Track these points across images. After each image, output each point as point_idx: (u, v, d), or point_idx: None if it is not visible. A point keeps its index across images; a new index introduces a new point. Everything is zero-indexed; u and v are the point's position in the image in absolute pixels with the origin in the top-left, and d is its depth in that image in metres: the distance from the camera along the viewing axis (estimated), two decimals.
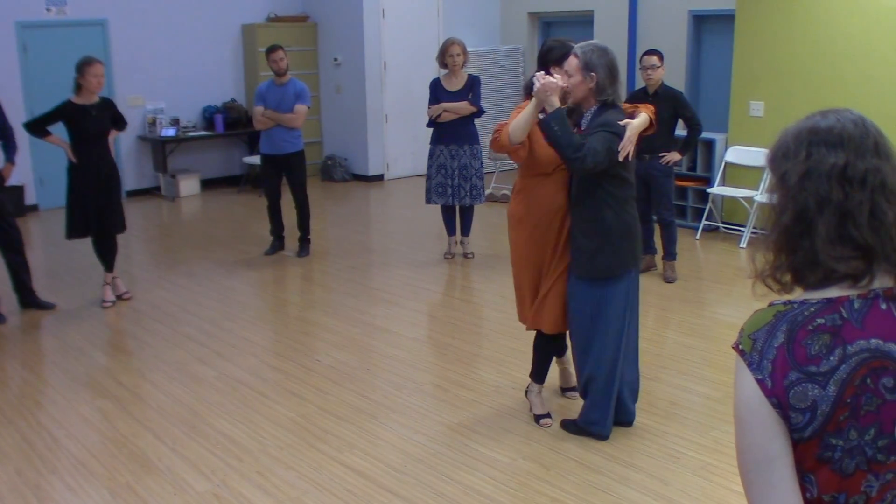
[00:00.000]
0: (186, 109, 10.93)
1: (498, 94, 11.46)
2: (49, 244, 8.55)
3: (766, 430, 1.43)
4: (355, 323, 6.09)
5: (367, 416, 4.61)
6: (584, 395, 4.30)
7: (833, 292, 1.46)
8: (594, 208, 4.00)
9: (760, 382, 1.44)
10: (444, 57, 7.25)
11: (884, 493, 1.45)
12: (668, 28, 9.43)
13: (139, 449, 4.28)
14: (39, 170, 9.74)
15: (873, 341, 1.42)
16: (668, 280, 6.84)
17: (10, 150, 6.32)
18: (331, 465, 4.07)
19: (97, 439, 4.41)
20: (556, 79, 3.86)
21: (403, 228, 9.09)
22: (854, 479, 1.44)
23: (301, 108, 7.53)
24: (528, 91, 4.28)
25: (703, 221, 8.36)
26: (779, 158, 1.52)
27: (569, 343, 4.41)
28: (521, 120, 3.95)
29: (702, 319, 6.05)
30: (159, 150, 10.64)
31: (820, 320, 1.43)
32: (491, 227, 8.59)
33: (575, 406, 4.49)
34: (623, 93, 4.23)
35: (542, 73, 3.92)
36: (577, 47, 4.02)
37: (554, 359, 4.65)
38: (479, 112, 7.31)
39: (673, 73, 8.17)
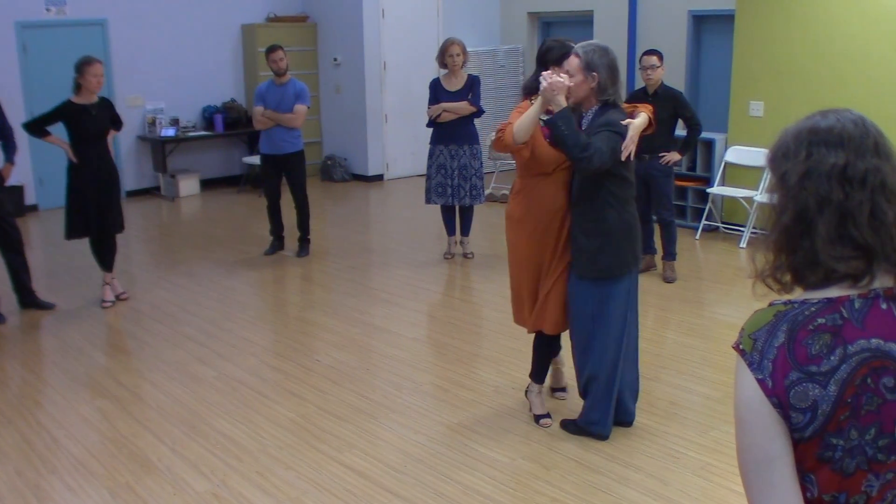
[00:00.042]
0: (186, 109, 10.93)
1: (498, 94, 11.46)
2: (49, 244, 8.55)
3: (766, 430, 1.43)
4: (355, 323, 6.09)
5: (367, 416, 4.61)
6: (584, 396, 4.30)
7: (833, 292, 1.46)
8: (596, 208, 4.00)
9: (761, 382, 1.44)
10: (443, 57, 7.25)
11: (884, 493, 1.45)
12: (667, 28, 9.43)
13: (139, 449, 4.28)
14: (39, 170, 9.74)
15: (874, 341, 1.42)
16: (668, 280, 6.84)
17: (10, 150, 6.32)
18: (330, 465, 4.07)
19: (97, 439, 4.41)
20: (563, 78, 3.86)
21: (403, 228, 9.09)
22: (854, 479, 1.44)
23: (301, 108, 7.53)
24: (527, 91, 4.28)
25: (703, 221, 8.36)
26: (779, 158, 1.52)
27: (565, 343, 4.41)
28: (525, 119, 3.95)
29: (701, 319, 6.05)
30: (159, 150, 10.64)
31: (820, 320, 1.43)
32: (491, 227, 8.59)
33: (574, 406, 4.49)
34: (623, 93, 4.23)
35: (549, 72, 3.91)
36: (579, 47, 4.02)
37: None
38: (479, 112, 7.31)
39: (673, 73, 8.17)
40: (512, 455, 4.14)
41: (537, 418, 4.46)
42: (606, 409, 4.20)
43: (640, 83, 7.19)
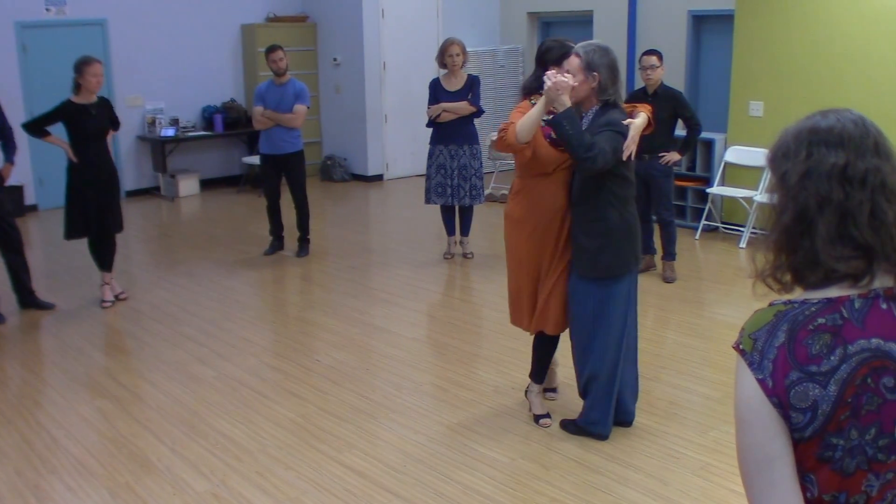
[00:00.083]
0: (186, 109, 10.93)
1: (497, 94, 11.46)
2: (48, 244, 8.55)
3: (766, 430, 1.43)
4: (355, 323, 6.09)
5: (367, 416, 4.61)
6: (583, 396, 4.30)
7: (833, 292, 1.46)
8: (598, 208, 4.00)
9: (761, 382, 1.44)
10: (443, 57, 7.25)
11: (884, 493, 1.45)
12: (667, 28, 9.43)
13: (138, 449, 4.28)
14: (39, 170, 9.74)
15: (874, 341, 1.42)
16: (668, 280, 6.84)
17: (10, 150, 6.32)
18: (330, 465, 4.07)
19: (96, 439, 4.40)
20: (568, 78, 3.85)
21: (403, 228, 9.09)
22: (854, 479, 1.44)
23: (300, 108, 7.53)
24: (526, 91, 4.28)
25: (703, 221, 8.36)
26: (779, 158, 1.52)
27: (563, 344, 4.41)
28: (528, 119, 3.95)
29: (701, 319, 6.05)
30: (159, 150, 10.64)
31: (821, 320, 1.44)
32: (490, 227, 8.59)
33: (574, 406, 4.48)
34: (623, 93, 4.23)
35: (554, 71, 3.90)
36: (579, 47, 4.02)
37: None
38: (479, 112, 7.31)
39: (672, 73, 8.17)
40: (512, 455, 4.14)
41: (537, 418, 4.46)
42: (606, 408, 4.20)
43: (639, 83, 7.19)
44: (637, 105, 4.23)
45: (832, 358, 1.41)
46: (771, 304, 1.50)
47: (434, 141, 7.39)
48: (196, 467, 4.08)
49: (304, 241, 7.92)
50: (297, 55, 11.00)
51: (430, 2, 11.35)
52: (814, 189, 1.45)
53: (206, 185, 11.15)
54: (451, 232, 7.70)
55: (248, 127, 10.56)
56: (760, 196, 7.70)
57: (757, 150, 7.81)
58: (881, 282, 1.46)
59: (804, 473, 1.45)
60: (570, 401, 4.65)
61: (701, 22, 9.35)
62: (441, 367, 5.29)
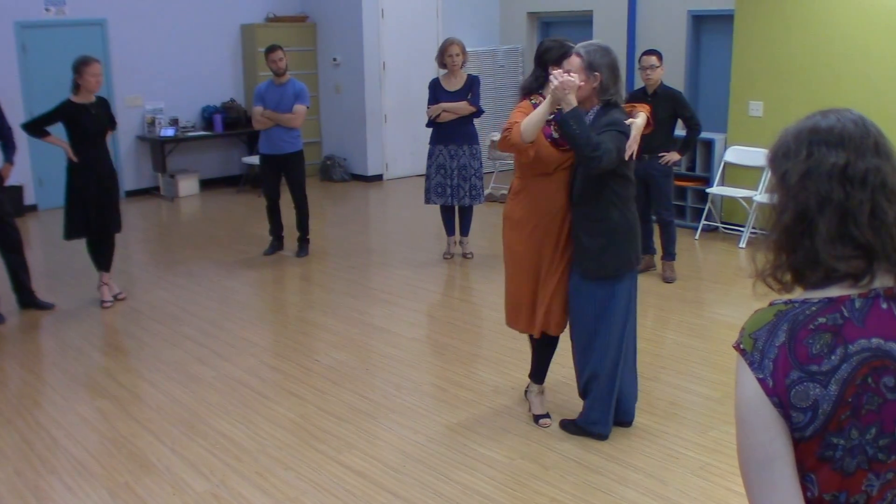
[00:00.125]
0: (185, 109, 10.93)
1: (497, 94, 11.46)
2: (48, 244, 8.55)
3: (767, 430, 1.43)
4: (354, 323, 6.09)
5: (366, 416, 4.61)
6: (583, 396, 4.30)
7: (834, 291, 1.46)
8: (600, 208, 4.01)
9: (762, 382, 1.44)
10: (443, 57, 7.25)
11: (884, 493, 1.45)
12: (667, 28, 9.43)
13: (138, 449, 4.28)
14: (38, 170, 9.74)
15: (874, 340, 1.42)
16: (668, 280, 6.84)
17: (10, 150, 6.32)
18: (330, 466, 4.07)
19: (96, 439, 4.40)
20: (574, 77, 3.85)
21: (402, 228, 9.09)
22: (855, 479, 1.44)
23: (300, 108, 7.53)
24: (525, 91, 4.28)
25: (703, 221, 8.36)
26: (779, 158, 1.52)
27: (560, 345, 4.41)
28: (533, 118, 3.94)
29: (701, 319, 6.05)
30: (158, 150, 10.64)
31: (821, 319, 1.44)
32: (490, 227, 8.58)
33: (574, 406, 4.48)
34: (623, 93, 4.23)
35: (560, 71, 3.90)
36: (580, 47, 4.02)
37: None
38: (479, 112, 7.31)
39: (672, 73, 8.17)
40: (511, 455, 4.14)
41: (537, 418, 4.46)
42: (607, 408, 4.20)
43: (639, 83, 7.19)
44: (636, 105, 4.23)
45: (833, 357, 1.41)
46: (771, 304, 1.50)
47: (434, 141, 7.39)
48: (196, 467, 4.08)
49: (303, 242, 7.92)
50: (297, 55, 10.99)
51: (429, 2, 11.35)
52: (814, 189, 1.45)
53: (206, 185, 11.15)
54: (450, 232, 7.70)
55: (248, 127, 10.56)
56: (760, 196, 7.70)
57: (757, 150, 7.81)
58: (881, 281, 1.46)
59: (804, 473, 1.45)
60: (570, 401, 4.65)
61: (701, 22, 9.35)
62: (441, 367, 5.29)
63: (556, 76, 3.84)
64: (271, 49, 7.61)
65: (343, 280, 7.15)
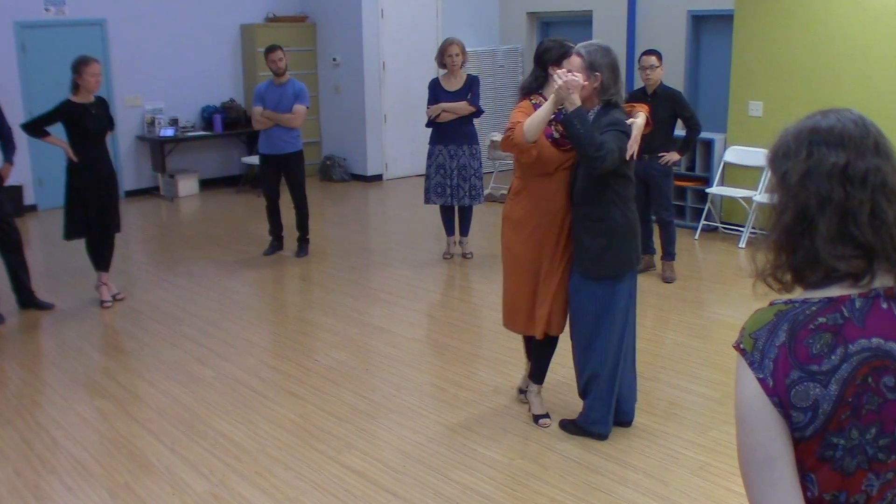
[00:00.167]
0: (185, 109, 10.93)
1: (497, 95, 11.46)
2: (48, 244, 8.55)
3: (767, 430, 1.43)
4: (354, 323, 6.09)
5: (366, 416, 4.60)
6: (583, 396, 4.29)
7: (834, 291, 1.46)
8: (602, 208, 4.01)
9: (762, 381, 1.44)
10: (442, 57, 7.25)
11: (884, 492, 1.45)
12: (666, 28, 9.43)
13: (138, 449, 4.28)
14: (38, 170, 9.74)
15: (874, 340, 1.42)
16: (667, 280, 6.84)
17: (9, 150, 6.32)
18: (329, 466, 4.07)
19: (96, 440, 4.40)
20: (578, 76, 3.85)
21: (402, 228, 9.09)
22: (855, 478, 1.44)
23: (300, 108, 7.52)
24: (525, 91, 4.28)
25: (702, 221, 8.36)
26: (779, 158, 1.52)
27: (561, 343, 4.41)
28: (537, 118, 3.93)
29: (701, 319, 6.05)
30: (158, 150, 10.63)
31: (821, 319, 1.44)
32: (490, 227, 8.58)
33: (574, 406, 4.48)
34: (623, 92, 4.24)
35: (564, 70, 3.90)
36: (581, 47, 4.02)
37: (525, 362, 4.65)
38: (478, 112, 7.31)
39: (672, 73, 8.17)
40: (511, 455, 4.14)
41: (536, 418, 4.46)
42: (607, 408, 4.20)
43: (639, 83, 7.19)
44: (635, 105, 4.24)
45: (833, 357, 1.41)
46: (771, 304, 1.50)
47: (433, 141, 7.39)
48: (195, 467, 4.08)
49: (303, 242, 7.92)
50: (297, 55, 10.99)
51: (429, 2, 11.35)
52: (814, 188, 1.45)
53: (206, 185, 11.15)
54: (450, 232, 7.69)
55: (248, 127, 10.55)
56: (760, 196, 7.70)
57: (756, 150, 7.81)
58: (881, 281, 1.46)
59: (805, 473, 1.45)
60: (569, 401, 4.65)
61: (700, 22, 9.35)
62: (440, 367, 5.29)
63: (561, 75, 3.83)
64: (271, 49, 7.60)
65: (343, 280, 7.14)
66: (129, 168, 10.75)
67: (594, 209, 4.03)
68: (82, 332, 6.01)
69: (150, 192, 10.93)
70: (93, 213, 6.31)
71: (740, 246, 7.90)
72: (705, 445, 4.18)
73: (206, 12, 10.96)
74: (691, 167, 8.69)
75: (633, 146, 3.93)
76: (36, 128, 6.26)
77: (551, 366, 4.53)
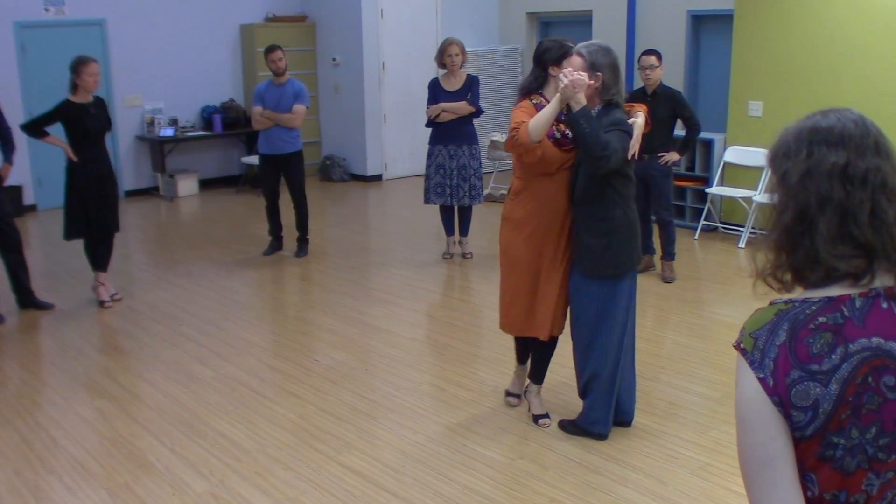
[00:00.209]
0: (185, 109, 10.92)
1: (496, 94, 11.46)
2: (47, 244, 8.55)
3: (767, 429, 1.43)
4: (354, 323, 6.09)
5: (366, 416, 4.60)
6: (583, 396, 4.29)
7: (834, 291, 1.46)
8: (603, 207, 4.01)
9: (762, 381, 1.44)
10: (442, 57, 7.25)
11: (884, 492, 1.45)
12: (666, 28, 9.43)
13: (137, 449, 4.28)
14: (38, 170, 9.74)
15: (874, 340, 1.42)
16: (667, 280, 6.84)
17: (9, 150, 6.31)
18: (329, 466, 4.07)
19: (95, 440, 4.40)
20: (583, 76, 3.85)
21: (402, 228, 9.09)
22: (855, 478, 1.44)
23: (299, 108, 7.52)
24: (525, 91, 4.27)
25: (702, 221, 8.36)
26: (780, 157, 1.52)
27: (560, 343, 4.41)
28: (542, 117, 3.93)
29: (700, 319, 6.05)
30: (157, 150, 10.63)
31: (821, 319, 1.44)
32: (489, 227, 8.58)
33: (574, 406, 4.48)
34: (623, 92, 4.24)
35: (570, 69, 3.89)
36: (581, 47, 4.02)
37: (516, 365, 4.65)
38: (478, 112, 7.31)
39: (671, 73, 8.17)
40: (510, 455, 4.14)
41: (536, 418, 4.46)
42: (607, 408, 4.20)
43: (638, 83, 7.19)
44: (633, 105, 4.24)
45: (833, 357, 1.41)
46: (772, 303, 1.50)
47: (433, 141, 7.38)
48: (195, 467, 4.08)
49: (303, 242, 7.92)
50: (297, 55, 10.99)
51: (429, 2, 11.35)
52: (814, 188, 1.45)
53: (205, 185, 11.14)
54: (450, 232, 7.69)
55: (247, 127, 10.55)
56: (759, 196, 7.71)
57: (756, 150, 7.82)
58: (881, 281, 1.46)
59: (805, 472, 1.45)
60: (569, 401, 4.64)
61: (700, 22, 9.35)
62: (440, 367, 5.29)
63: (566, 75, 3.82)
64: (271, 49, 7.60)
65: (342, 280, 7.14)
66: (129, 168, 10.74)
67: (596, 208, 4.03)
68: (82, 332, 6.01)
69: (149, 192, 10.93)
70: (92, 212, 6.31)
71: (740, 246, 7.90)
72: (705, 445, 4.18)
73: (205, 12, 10.96)
74: (691, 167, 8.69)
75: (634, 146, 3.94)
76: (35, 128, 6.26)
77: (551, 366, 4.54)
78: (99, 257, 6.55)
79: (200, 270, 7.48)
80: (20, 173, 9.07)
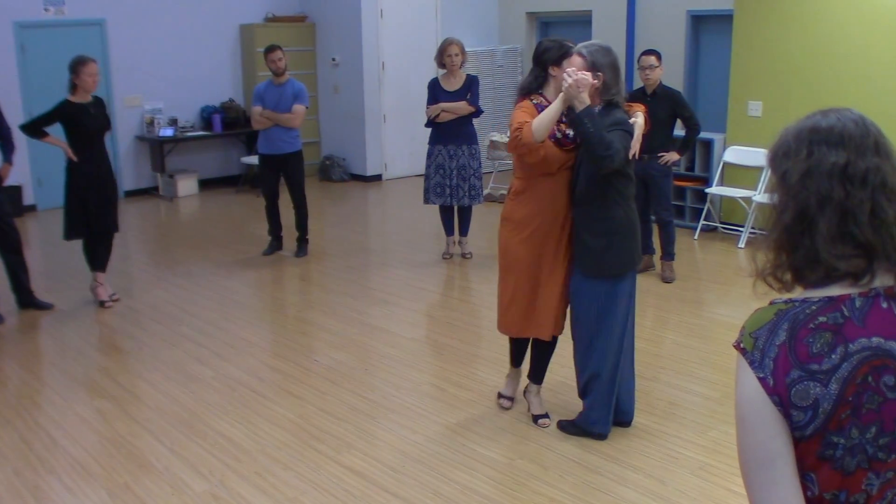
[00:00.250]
0: (184, 109, 10.92)
1: (496, 94, 11.46)
2: (47, 244, 8.55)
3: (767, 429, 1.43)
4: (353, 323, 6.08)
5: (366, 416, 4.60)
6: (583, 396, 4.29)
7: (834, 290, 1.46)
8: (604, 207, 4.01)
9: (762, 381, 1.44)
10: (442, 57, 7.25)
11: (884, 492, 1.45)
12: (666, 28, 9.43)
13: (137, 449, 4.28)
14: (37, 170, 9.73)
15: (874, 339, 1.42)
16: (667, 280, 6.84)
17: (8, 150, 6.31)
18: (329, 466, 4.07)
19: (95, 440, 4.40)
20: (587, 75, 3.84)
21: (401, 229, 9.09)
22: (855, 478, 1.44)
23: (299, 108, 7.52)
24: (524, 91, 4.27)
25: (702, 221, 8.37)
26: (780, 157, 1.52)
27: (560, 347, 4.41)
28: (545, 117, 3.92)
29: (700, 319, 6.05)
30: (157, 150, 10.63)
31: (821, 318, 1.44)
32: (489, 227, 8.58)
33: (573, 406, 4.48)
34: (623, 92, 4.24)
35: (574, 69, 3.89)
36: (582, 47, 4.02)
37: (509, 367, 4.65)
38: (478, 112, 7.30)
39: (671, 73, 8.17)
40: (510, 455, 4.14)
41: (536, 418, 4.45)
42: (607, 408, 4.20)
43: (638, 83, 7.19)
44: (632, 105, 4.24)
45: (833, 356, 1.41)
46: (771, 303, 1.50)
47: (433, 141, 7.38)
48: (195, 467, 4.08)
49: (302, 242, 7.92)
50: (296, 55, 10.98)
51: (428, 2, 11.35)
52: (814, 188, 1.45)
53: (205, 185, 11.14)
54: (449, 232, 7.69)
55: (247, 127, 10.55)
56: (759, 196, 7.71)
57: (756, 150, 7.82)
58: (881, 280, 1.46)
59: (805, 472, 1.45)
60: (569, 401, 4.64)
61: (700, 22, 9.35)
62: (440, 367, 5.29)
63: (570, 74, 3.81)
64: (270, 49, 7.60)
65: (342, 280, 7.14)
66: (129, 168, 10.74)
67: (597, 208, 4.03)
68: (81, 333, 6.01)
69: (149, 192, 10.93)
70: (92, 213, 6.31)
71: (740, 246, 7.90)
72: (705, 445, 4.18)
73: (205, 12, 10.96)
74: (691, 167, 8.69)
75: (634, 146, 3.95)
76: (35, 129, 6.25)
77: (551, 366, 4.54)
78: (98, 257, 6.54)
79: (200, 270, 7.48)
80: (20, 173, 9.07)
